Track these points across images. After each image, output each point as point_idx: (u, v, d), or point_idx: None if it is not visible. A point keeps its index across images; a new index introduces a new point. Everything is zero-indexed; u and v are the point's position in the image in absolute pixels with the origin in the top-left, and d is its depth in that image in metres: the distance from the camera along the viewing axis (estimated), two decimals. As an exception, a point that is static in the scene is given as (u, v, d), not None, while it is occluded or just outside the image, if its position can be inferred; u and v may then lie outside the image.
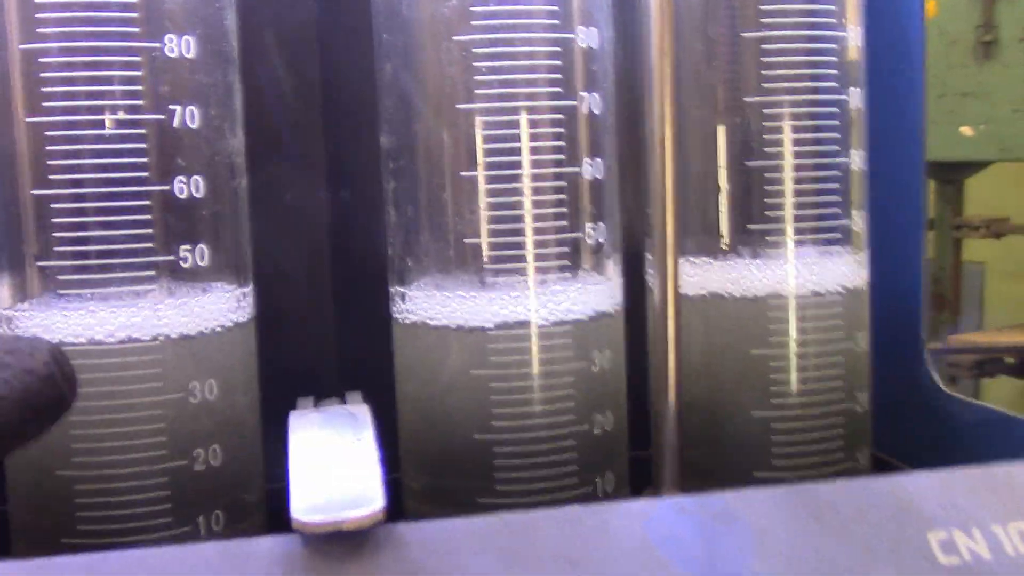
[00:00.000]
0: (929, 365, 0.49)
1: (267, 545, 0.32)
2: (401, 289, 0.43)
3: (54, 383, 0.29)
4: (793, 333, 0.44)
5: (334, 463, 0.35)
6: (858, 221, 0.45)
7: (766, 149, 0.43)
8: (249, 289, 0.43)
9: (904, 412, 0.53)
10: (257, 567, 0.32)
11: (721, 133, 0.45)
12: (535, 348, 0.42)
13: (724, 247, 0.44)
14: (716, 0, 0.44)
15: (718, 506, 0.36)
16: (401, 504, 0.44)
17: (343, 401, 0.44)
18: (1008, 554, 0.35)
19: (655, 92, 0.42)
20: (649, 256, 0.45)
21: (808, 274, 0.44)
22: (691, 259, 0.45)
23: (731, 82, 0.44)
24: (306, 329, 0.52)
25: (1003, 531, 0.36)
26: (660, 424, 0.45)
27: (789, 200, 0.44)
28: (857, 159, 0.45)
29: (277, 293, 0.47)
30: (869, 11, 0.49)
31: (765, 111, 0.43)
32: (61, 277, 0.38)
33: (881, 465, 0.54)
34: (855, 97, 0.45)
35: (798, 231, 0.44)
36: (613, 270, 0.44)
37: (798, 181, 0.44)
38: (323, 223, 0.52)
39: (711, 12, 0.44)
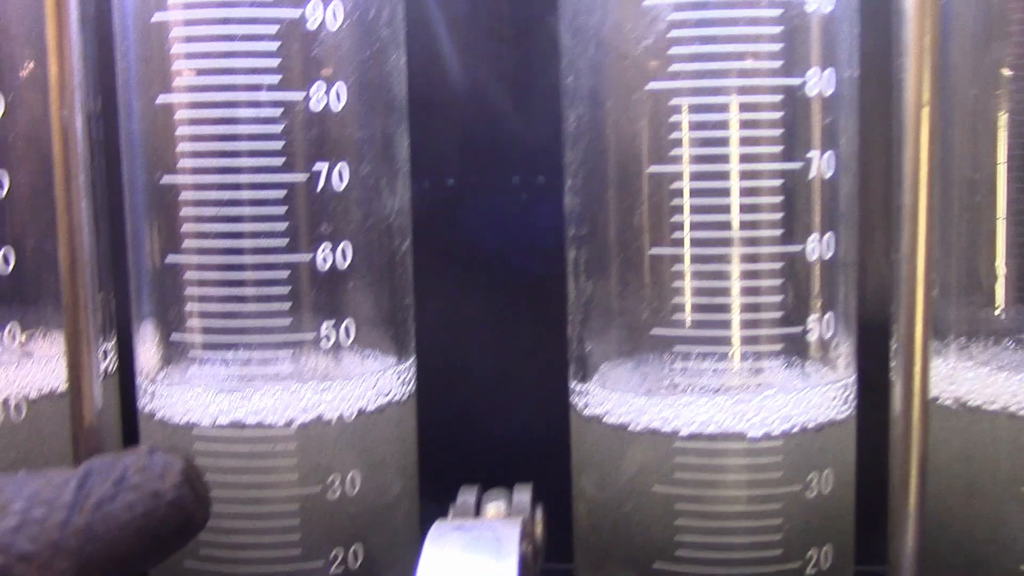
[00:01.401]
0: None
1: None
2: (579, 375, 0.37)
3: (183, 507, 0.27)
4: None
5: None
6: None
7: None
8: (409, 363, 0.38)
9: None
10: None
11: (1003, 177, 0.35)
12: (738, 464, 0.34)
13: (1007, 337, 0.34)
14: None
15: None
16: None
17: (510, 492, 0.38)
18: None
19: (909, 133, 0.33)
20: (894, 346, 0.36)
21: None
22: (956, 353, 0.35)
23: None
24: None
25: None
26: (898, 561, 0.36)
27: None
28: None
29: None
30: None
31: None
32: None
33: None
34: None
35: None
36: (843, 366, 0.36)
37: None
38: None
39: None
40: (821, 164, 0.33)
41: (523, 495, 0.38)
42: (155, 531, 0.26)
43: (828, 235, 0.34)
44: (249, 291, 0.33)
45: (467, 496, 0.38)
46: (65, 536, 0.26)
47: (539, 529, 0.38)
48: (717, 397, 0.34)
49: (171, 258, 0.34)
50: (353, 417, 0.35)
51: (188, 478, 0.27)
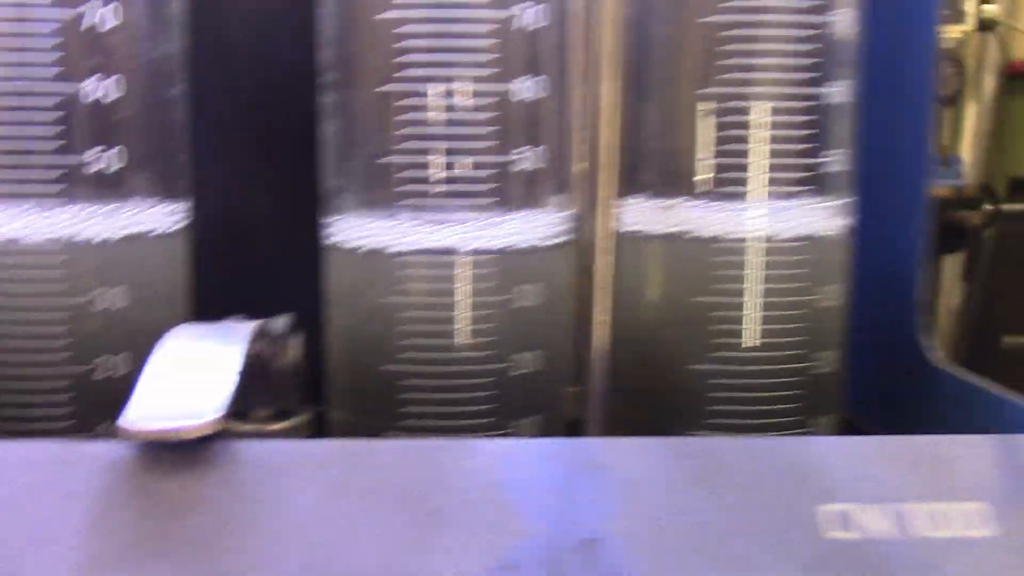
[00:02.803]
0: (921, 331, 0.44)
1: (99, 449, 0.32)
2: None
3: None
4: (741, 281, 0.40)
5: (187, 375, 0.34)
6: (834, 162, 0.41)
7: (720, 78, 0.39)
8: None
9: (894, 380, 0.48)
10: (84, 469, 0.31)
11: (671, 62, 0.41)
12: (465, 277, 0.39)
13: (673, 184, 0.40)
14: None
15: (590, 453, 0.33)
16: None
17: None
18: (911, 535, 0.31)
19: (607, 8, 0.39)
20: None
21: (765, 218, 0.40)
22: (635, 196, 0.41)
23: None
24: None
25: (912, 509, 0.31)
26: (586, 372, 0.42)
27: (755, 136, 0.40)
28: (837, 92, 0.40)
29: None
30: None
31: (719, 34, 0.39)
32: None
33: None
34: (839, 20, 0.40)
35: (755, 169, 0.39)
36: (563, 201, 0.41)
37: (758, 114, 0.39)
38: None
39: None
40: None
41: (282, 320, 0.43)
42: None
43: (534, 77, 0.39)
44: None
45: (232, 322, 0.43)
46: None
47: (294, 350, 0.43)
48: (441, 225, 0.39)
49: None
50: (116, 240, 0.40)
51: None
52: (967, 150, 2.58)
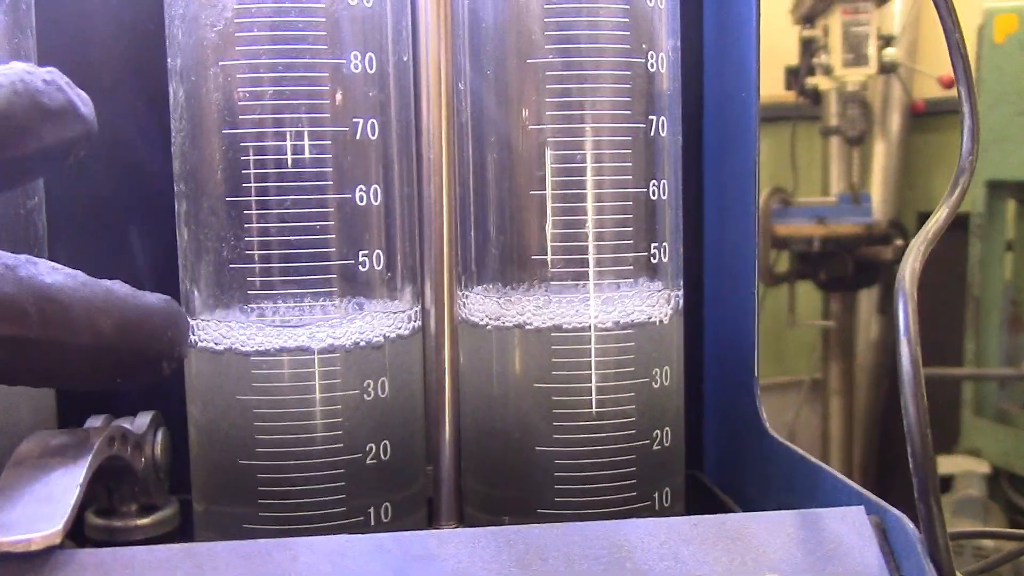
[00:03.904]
0: (759, 403, 0.47)
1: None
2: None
3: None
4: (578, 368, 0.42)
5: (35, 486, 0.35)
6: (661, 252, 0.44)
7: (555, 179, 0.42)
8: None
9: (737, 448, 0.51)
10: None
11: (505, 160, 0.44)
12: (316, 374, 0.42)
13: (511, 276, 0.43)
14: (502, 26, 0.42)
15: (420, 546, 0.35)
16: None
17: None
18: (712, 611, 0.33)
19: (432, 120, 0.41)
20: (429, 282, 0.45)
21: (598, 307, 0.42)
22: (476, 288, 0.44)
23: (518, 108, 0.43)
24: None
25: (716, 586, 0.34)
26: (436, 455, 0.44)
27: (589, 230, 0.42)
28: (660, 188, 0.43)
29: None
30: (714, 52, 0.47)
31: (553, 139, 0.42)
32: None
33: (707, 499, 0.52)
34: (658, 124, 0.43)
35: (585, 263, 0.42)
36: (409, 295, 0.44)
37: (588, 211, 0.42)
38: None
39: (495, 36, 0.43)
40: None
41: (144, 418, 0.45)
42: None
43: (373, 186, 0.42)
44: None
45: (94, 421, 0.44)
46: None
47: (159, 447, 0.45)
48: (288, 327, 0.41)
49: None
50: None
51: None
52: (876, 188, 2.66)
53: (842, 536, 0.35)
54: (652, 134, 0.43)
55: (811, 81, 2.10)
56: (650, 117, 0.43)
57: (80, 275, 0.34)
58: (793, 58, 2.13)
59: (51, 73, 0.34)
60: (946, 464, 1.89)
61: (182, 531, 0.45)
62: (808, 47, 2.10)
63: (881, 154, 2.31)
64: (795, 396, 2.29)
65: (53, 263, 0.33)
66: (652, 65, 0.43)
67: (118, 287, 0.35)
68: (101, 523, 0.44)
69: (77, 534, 0.44)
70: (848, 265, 2.11)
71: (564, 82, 0.42)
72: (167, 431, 0.45)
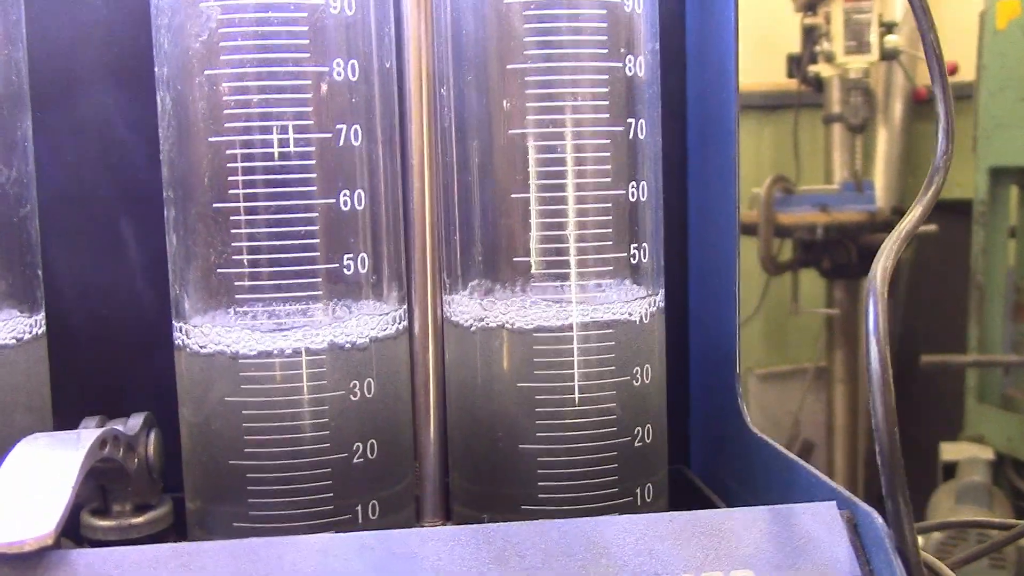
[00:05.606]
0: (740, 400, 0.48)
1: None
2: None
3: None
4: (560, 368, 0.43)
5: (29, 488, 0.36)
6: (641, 253, 0.44)
7: (536, 182, 0.43)
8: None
9: (719, 443, 0.51)
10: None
11: (487, 164, 0.44)
12: (303, 376, 0.42)
13: (495, 278, 0.44)
14: (483, 32, 0.43)
15: (402, 544, 0.36)
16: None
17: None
18: (685, 605, 0.34)
19: (415, 125, 0.42)
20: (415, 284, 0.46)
21: (580, 307, 0.43)
22: (460, 290, 0.45)
23: (498, 113, 0.43)
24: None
25: (689, 581, 0.35)
26: (422, 454, 0.45)
27: (571, 231, 0.43)
28: (640, 190, 0.44)
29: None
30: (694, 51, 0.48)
31: (534, 143, 0.43)
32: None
33: (692, 494, 0.53)
34: (637, 127, 0.44)
35: (567, 264, 0.43)
36: (394, 297, 0.45)
37: (569, 214, 0.43)
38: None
39: (476, 43, 0.43)
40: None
41: (137, 420, 0.46)
42: None
43: (358, 191, 0.43)
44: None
45: (89, 423, 0.46)
46: None
47: (152, 447, 0.46)
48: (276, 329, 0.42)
49: None
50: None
51: None
52: (879, 175, 2.64)
53: (813, 531, 0.36)
54: (631, 137, 0.44)
55: (813, 69, 2.10)
56: (629, 120, 0.44)
57: None
58: (795, 46, 2.13)
59: None
60: (950, 451, 1.90)
61: (176, 529, 0.46)
62: (810, 35, 2.10)
63: (884, 141, 2.31)
64: (799, 384, 2.29)
65: None
66: (630, 69, 0.44)
67: None
68: (96, 523, 0.45)
69: (73, 534, 0.45)
70: (851, 253, 2.11)
71: (544, 87, 0.43)
72: (159, 432, 0.46)
